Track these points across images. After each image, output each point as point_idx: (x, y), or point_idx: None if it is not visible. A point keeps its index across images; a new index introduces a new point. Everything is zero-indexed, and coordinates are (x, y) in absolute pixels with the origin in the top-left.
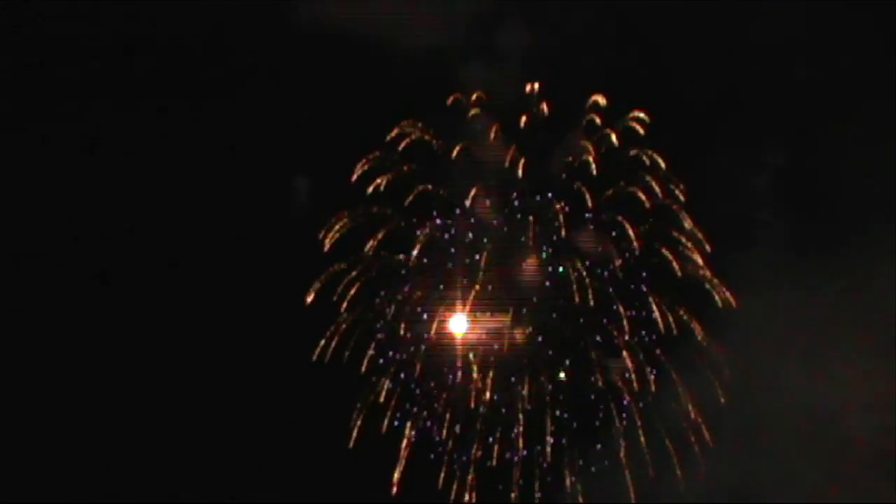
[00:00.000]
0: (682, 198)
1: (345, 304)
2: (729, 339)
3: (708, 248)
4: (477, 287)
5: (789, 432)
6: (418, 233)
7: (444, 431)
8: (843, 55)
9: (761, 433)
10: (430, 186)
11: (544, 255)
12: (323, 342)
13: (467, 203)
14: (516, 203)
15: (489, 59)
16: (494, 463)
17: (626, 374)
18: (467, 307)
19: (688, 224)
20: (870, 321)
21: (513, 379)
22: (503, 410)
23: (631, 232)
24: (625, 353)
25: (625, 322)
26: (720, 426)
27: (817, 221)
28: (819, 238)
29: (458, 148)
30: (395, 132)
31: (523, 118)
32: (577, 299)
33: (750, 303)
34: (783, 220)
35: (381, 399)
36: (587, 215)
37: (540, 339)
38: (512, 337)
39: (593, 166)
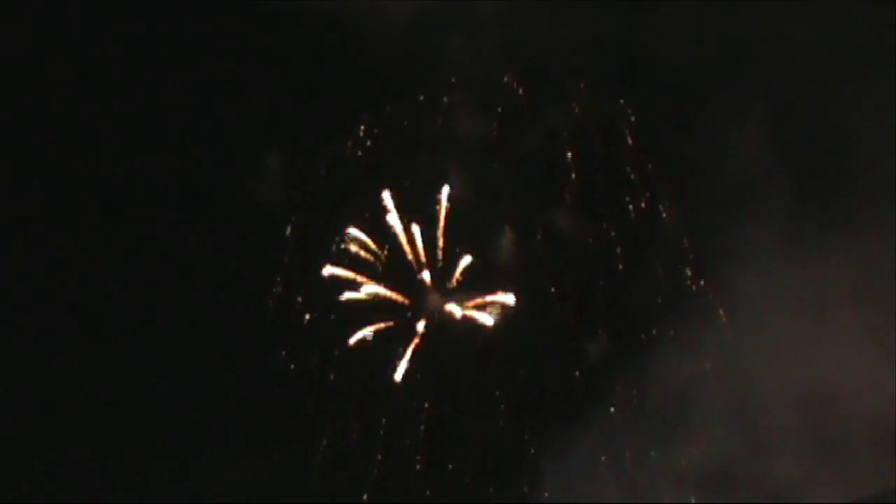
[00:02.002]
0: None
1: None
2: (722, 319)
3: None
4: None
5: (785, 412)
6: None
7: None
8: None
9: (756, 414)
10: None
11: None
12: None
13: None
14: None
15: (468, 33)
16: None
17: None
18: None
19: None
20: (869, 298)
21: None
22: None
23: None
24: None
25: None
26: (712, 407)
27: (814, 197)
28: (816, 213)
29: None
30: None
31: (500, 107)
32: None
33: (744, 281)
34: (778, 195)
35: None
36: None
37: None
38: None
39: (570, 158)
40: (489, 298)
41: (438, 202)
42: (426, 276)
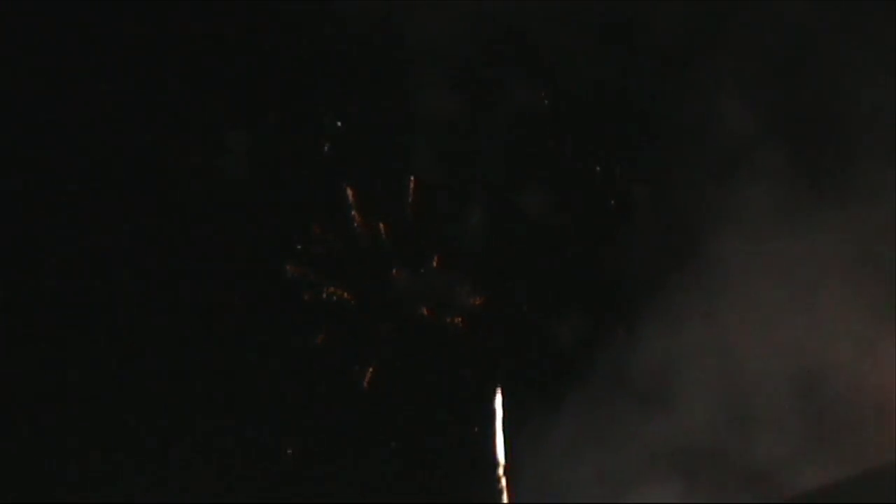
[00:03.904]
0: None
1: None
2: (709, 288)
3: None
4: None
5: (777, 388)
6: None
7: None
8: None
9: (744, 390)
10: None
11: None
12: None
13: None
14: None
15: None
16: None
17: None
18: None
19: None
20: (864, 270)
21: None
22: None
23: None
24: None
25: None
26: (698, 383)
27: (807, 163)
28: (811, 178)
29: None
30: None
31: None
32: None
33: (733, 253)
34: (769, 161)
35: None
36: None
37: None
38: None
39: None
40: (460, 292)
41: (406, 195)
42: (394, 272)
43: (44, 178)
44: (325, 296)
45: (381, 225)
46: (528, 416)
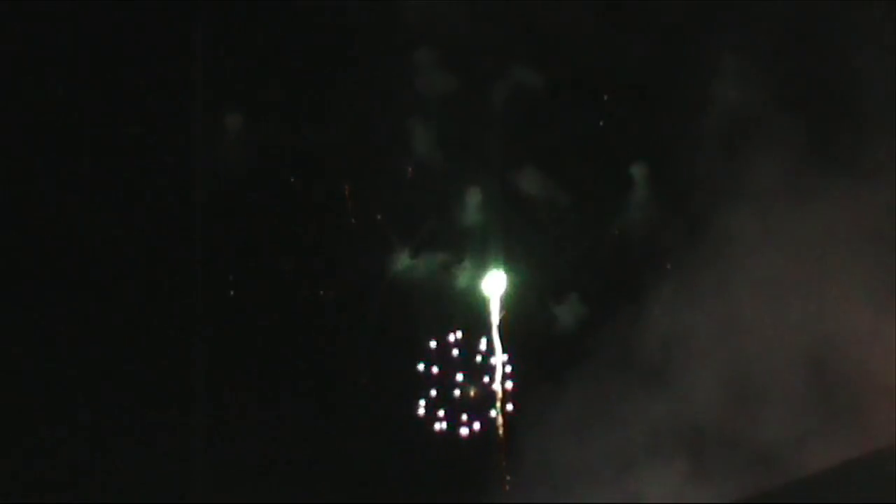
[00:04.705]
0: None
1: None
2: (714, 267)
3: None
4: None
5: (783, 368)
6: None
7: None
8: None
9: (750, 370)
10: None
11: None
12: None
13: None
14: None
15: None
16: None
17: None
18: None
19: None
20: (873, 245)
21: None
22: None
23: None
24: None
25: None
26: (703, 362)
27: (816, 140)
28: (820, 156)
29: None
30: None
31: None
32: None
33: (739, 225)
34: (775, 132)
35: None
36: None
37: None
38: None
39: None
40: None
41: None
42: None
43: (39, 176)
44: (322, 292)
45: (379, 216)
46: (532, 396)
